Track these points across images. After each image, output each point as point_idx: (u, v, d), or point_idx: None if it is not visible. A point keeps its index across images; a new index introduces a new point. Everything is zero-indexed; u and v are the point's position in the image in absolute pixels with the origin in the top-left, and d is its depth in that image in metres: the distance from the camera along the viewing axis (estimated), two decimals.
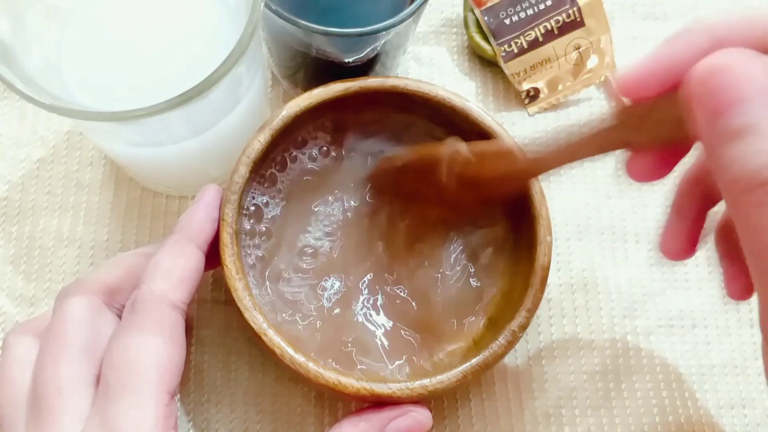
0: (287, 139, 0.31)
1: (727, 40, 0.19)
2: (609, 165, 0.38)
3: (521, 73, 0.39)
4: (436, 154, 0.29)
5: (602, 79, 0.39)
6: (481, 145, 0.29)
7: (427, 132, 0.33)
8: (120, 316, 0.26)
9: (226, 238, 0.28)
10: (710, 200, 0.26)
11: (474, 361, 0.27)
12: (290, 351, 0.27)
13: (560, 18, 0.38)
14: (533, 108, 0.39)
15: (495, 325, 0.30)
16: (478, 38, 0.39)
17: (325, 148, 0.33)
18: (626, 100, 0.22)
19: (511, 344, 0.28)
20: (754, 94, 0.17)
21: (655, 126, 0.21)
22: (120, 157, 0.32)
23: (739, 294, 0.26)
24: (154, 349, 0.23)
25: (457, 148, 0.28)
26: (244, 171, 0.29)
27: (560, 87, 0.39)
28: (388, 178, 0.32)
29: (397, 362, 0.30)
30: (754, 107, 0.17)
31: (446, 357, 0.30)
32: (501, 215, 0.32)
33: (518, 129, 0.39)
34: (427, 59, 0.40)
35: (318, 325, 0.30)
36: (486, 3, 0.38)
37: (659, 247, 0.27)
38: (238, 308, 0.27)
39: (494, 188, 0.28)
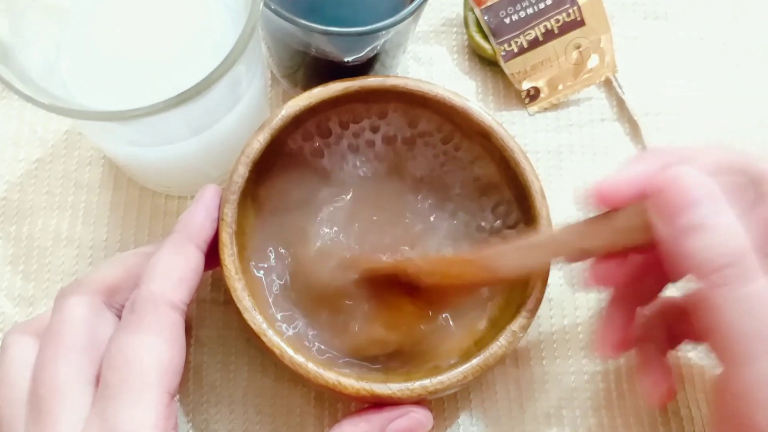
0: (287, 138, 0.31)
1: (673, 164, 0.24)
2: (608, 165, 0.38)
3: (521, 73, 0.38)
4: (392, 270, 0.30)
5: (602, 78, 0.39)
6: (432, 261, 0.30)
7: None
8: (120, 316, 0.26)
9: (226, 238, 0.28)
10: (642, 301, 0.30)
11: (474, 361, 0.27)
12: (290, 351, 0.26)
13: (560, 17, 0.38)
14: (533, 107, 0.39)
15: (495, 325, 0.30)
16: (478, 37, 0.39)
17: (324, 148, 0.33)
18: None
19: (511, 345, 0.28)
20: (704, 198, 0.22)
21: (613, 233, 0.25)
22: (119, 157, 0.32)
23: (662, 399, 0.29)
24: (154, 350, 0.23)
25: (409, 265, 0.29)
26: (243, 171, 0.29)
27: (560, 86, 0.39)
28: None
29: None
30: (705, 208, 0.22)
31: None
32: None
33: (518, 128, 0.38)
34: (427, 59, 0.40)
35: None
36: (486, 2, 0.38)
37: (597, 347, 0.29)
38: (237, 308, 0.27)
39: (457, 291, 0.30)
